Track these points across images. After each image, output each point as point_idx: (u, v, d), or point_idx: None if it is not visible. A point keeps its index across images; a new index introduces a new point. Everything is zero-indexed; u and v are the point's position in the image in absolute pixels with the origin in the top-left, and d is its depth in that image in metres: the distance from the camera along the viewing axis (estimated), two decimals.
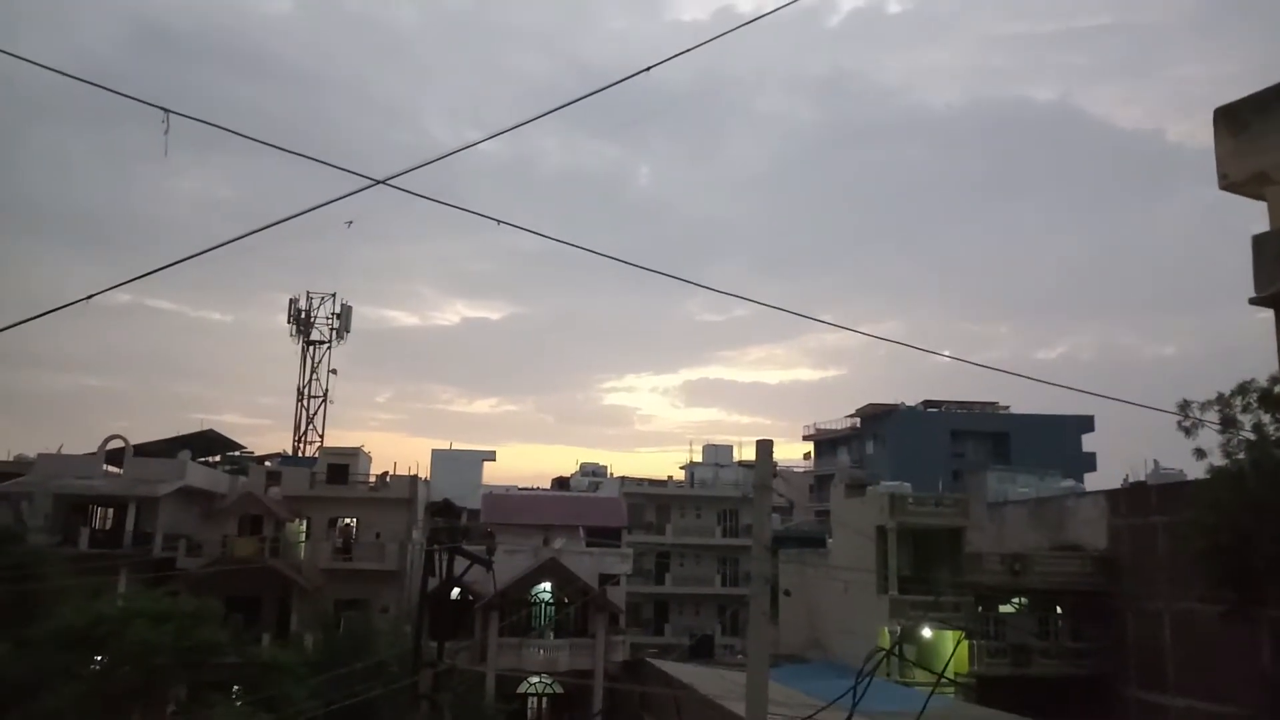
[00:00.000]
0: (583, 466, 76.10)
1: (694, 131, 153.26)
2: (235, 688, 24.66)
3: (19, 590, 24.26)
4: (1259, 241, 14.19)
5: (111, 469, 46.31)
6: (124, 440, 47.06)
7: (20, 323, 6.48)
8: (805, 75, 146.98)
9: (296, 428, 63.92)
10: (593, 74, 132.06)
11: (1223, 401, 29.54)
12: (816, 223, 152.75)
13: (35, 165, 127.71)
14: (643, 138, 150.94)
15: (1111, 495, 41.86)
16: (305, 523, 46.94)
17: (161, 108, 5.42)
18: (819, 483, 76.18)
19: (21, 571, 25.70)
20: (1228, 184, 14.83)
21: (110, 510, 44.11)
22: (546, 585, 43.05)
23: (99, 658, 22.60)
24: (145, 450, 47.93)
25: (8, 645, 21.28)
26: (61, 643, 21.49)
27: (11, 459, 53.42)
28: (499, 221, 6.82)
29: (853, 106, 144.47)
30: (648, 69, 8.23)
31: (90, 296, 6.61)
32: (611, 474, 72.90)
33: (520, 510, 51.26)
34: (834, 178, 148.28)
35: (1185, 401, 30.21)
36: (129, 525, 42.80)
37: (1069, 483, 53.16)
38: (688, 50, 8.11)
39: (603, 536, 48.97)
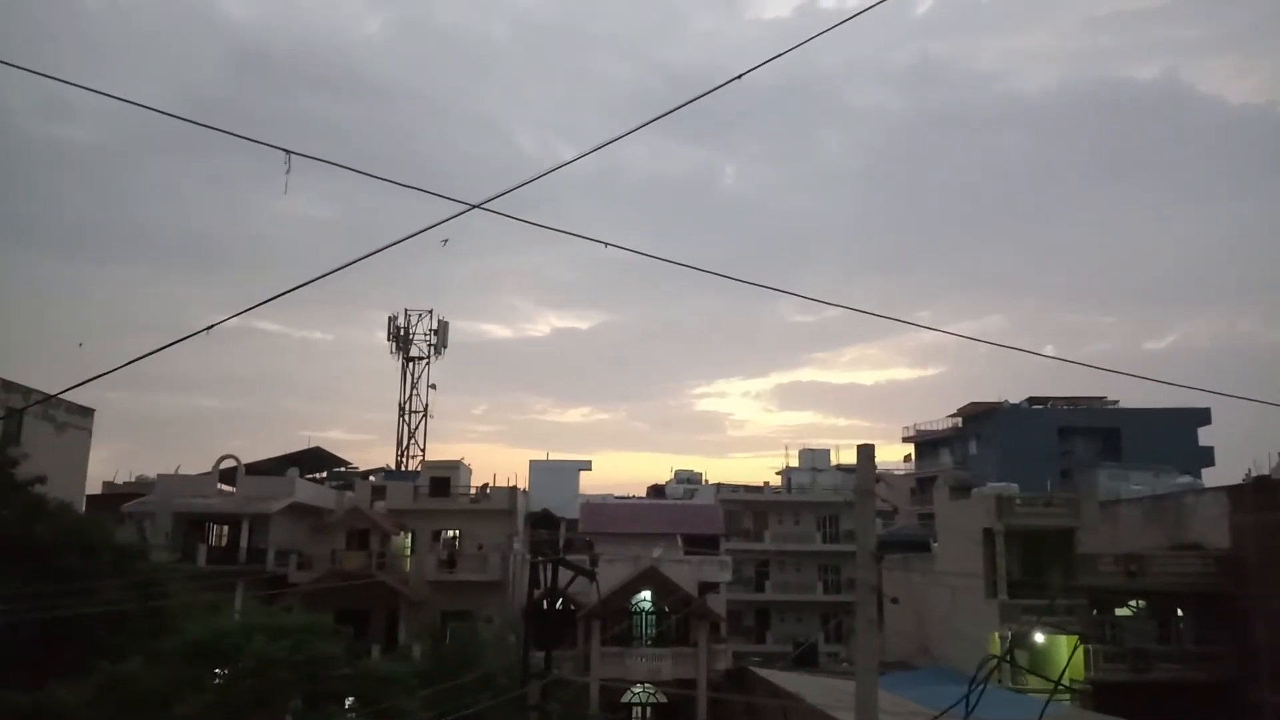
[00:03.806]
0: (677, 474, 76.05)
1: (782, 130, 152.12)
2: (349, 699, 25.32)
3: (146, 606, 25.42)
4: None
5: (225, 488, 48.11)
6: (236, 460, 48.88)
7: (149, 354, 6.81)
8: (895, 66, 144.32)
9: (399, 442, 65.44)
10: (679, 77, 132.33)
11: None
12: (913, 217, 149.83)
13: (148, 195, 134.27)
14: (730, 139, 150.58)
15: (1234, 491, 39.95)
16: (410, 535, 47.97)
17: (284, 149, 5.63)
18: (921, 485, 74.68)
19: (147, 587, 26.94)
20: None
21: (225, 527, 45.89)
22: (646, 594, 43.14)
23: (221, 670, 23.52)
24: (256, 469, 49.72)
25: (141, 658, 22.31)
26: (189, 656, 22.44)
27: (134, 480, 56.12)
28: (606, 244, 6.87)
29: (946, 95, 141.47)
30: (739, 76, 8.22)
31: (211, 327, 6.92)
32: (706, 480, 72.68)
33: (618, 519, 51.50)
34: (930, 169, 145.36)
35: None
36: (243, 542, 44.42)
37: (1185, 479, 51.02)
38: (779, 55, 8.07)
39: (700, 544, 48.86)
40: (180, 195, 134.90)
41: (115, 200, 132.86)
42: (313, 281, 7.17)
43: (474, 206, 6.70)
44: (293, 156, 6.03)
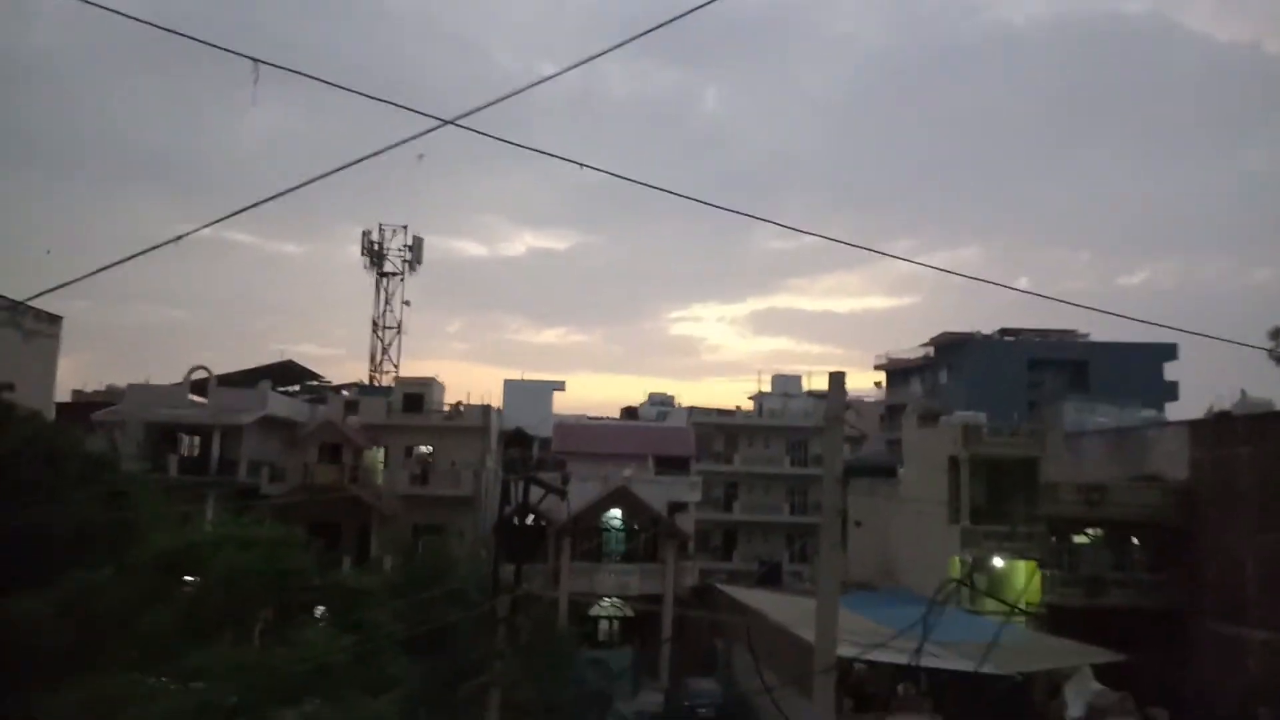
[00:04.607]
0: (651, 397, 76.58)
1: (764, 57, 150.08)
2: (319, 610, 25.57)
3: (116, 517, 25.39)
4: None
5: (197, 399, 47.86)
6: (207, 371, 48.54)
7: (119, 262, 6.67)
8: None
9: (372, 358, 65.22)
10: None
11: None
12: (894, 149, 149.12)
13: (117, 111, 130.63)
14: (711, 64, 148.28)
15: (1196, 426, 40.69)
16: (383, 451, 48.12)
17: (251, 58, 5.45)
18: (890, 412, 75.51)
19: (118, 498, 26.86)
20: None
21: (197, 438, 45.71)
22: (617, 512, 43.76)
23: (191, 581, 23.62)
24: (228, 380, 49.43)
25: (110, 570, 22.34)
26: (158, 568, 22.49)
27: (104, 389, 55.69)
28: (582, 165, 6.75)
29: (930, 27, 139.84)
30: None
31: (180, 237, 6.77)
32: (679, 404, 73.25)
33: (590, 440, 51.95)
34: (912, 102, 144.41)
35: (1278, 329, 29.24)
36: (215, 453, 44.33)
37: (1150, 413, 51.89)
38: None
39: (671, 466, 49.44)
40: (147, 108, 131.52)
41: (77, 110, 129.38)
42: (284, 194, 7.01)
43: (448, 122, 6.55)
44: (262, 68, 5.85)
